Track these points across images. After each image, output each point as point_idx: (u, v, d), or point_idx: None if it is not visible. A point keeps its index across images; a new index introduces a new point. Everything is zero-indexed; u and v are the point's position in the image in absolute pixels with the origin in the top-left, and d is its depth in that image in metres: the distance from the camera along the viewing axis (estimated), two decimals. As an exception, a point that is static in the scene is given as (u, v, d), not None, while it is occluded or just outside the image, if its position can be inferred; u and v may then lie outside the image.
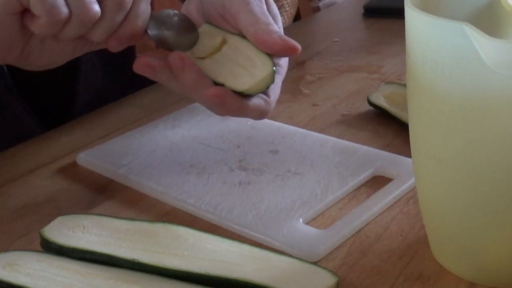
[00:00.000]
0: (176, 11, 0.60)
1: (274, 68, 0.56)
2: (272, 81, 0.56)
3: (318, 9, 1.44)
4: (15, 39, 0.55)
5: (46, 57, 0.58)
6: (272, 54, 0.57)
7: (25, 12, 0.53)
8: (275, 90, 0.58)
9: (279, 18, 0.61)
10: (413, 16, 0.42)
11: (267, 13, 0.58)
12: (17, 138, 0.73)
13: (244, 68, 0.57)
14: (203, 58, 0.59)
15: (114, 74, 0.88)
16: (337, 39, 1.00)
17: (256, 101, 0.56)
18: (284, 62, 0.60)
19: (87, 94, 0.83)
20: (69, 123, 0.77)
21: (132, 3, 0.56)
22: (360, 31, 1.08)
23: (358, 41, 1.03)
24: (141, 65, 0.57)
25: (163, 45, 0.58)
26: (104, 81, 0.87)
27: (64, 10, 0.52)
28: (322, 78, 0.85)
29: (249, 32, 0.57)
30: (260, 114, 0.57)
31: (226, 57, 0.58)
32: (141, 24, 0.57)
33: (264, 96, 0.57)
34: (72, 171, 0.65)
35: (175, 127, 0.71)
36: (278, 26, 0.59)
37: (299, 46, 0.56)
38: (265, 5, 0.59)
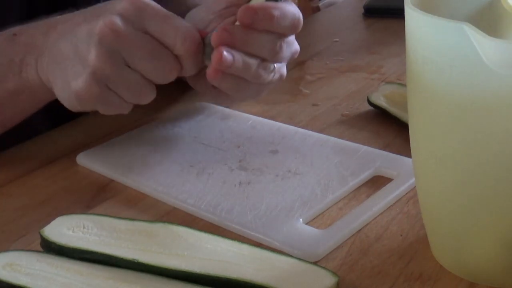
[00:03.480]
0: None
1: None
2: None
3: (318, 9, 1.44)
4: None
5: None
6: None
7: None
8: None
9: None
10: (413, 16, 0.42)
11: None
12: (27, 137, 0.73)
13: None
14: None
15: None
16: (337, 39, 1.00)
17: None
18: None
19: None
20: (69, 123, 0.77)
21: None
22: (360, 31, 1.08)
23: (358, 41, 1.03)
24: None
25: None
26: None
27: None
28: (322, 78, 0.85)
29: None
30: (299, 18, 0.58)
31: None
32: None
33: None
34: (72, 171, 0.65)
35: (175, 127, 0.71)
36: None
37: None
38: None
